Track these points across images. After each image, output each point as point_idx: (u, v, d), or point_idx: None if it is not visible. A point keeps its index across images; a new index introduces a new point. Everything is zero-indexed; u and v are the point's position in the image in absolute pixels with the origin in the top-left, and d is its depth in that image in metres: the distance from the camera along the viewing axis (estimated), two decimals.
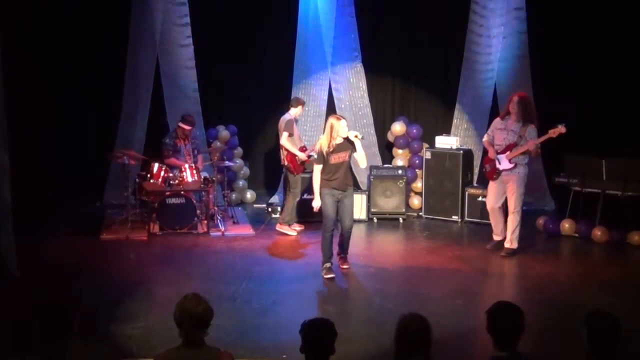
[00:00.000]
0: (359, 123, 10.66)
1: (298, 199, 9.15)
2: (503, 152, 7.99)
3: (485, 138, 8.34)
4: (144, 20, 10.13)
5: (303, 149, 9.05)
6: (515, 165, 7.96)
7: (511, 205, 8.05)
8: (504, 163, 8.00)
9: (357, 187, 10.52)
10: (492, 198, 8.26)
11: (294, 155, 8.93)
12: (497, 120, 8.20)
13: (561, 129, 7.80)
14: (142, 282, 7.14)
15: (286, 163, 9.02)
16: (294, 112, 9.12)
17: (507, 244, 8.16)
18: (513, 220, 8.07)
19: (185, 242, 8.65)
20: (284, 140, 8.93)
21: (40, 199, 8.98)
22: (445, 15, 10.69)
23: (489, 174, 8.20)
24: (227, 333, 5.57)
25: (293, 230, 9.11)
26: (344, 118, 7.47)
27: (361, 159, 7.38)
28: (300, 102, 9.24)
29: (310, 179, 9.13)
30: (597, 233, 8.75)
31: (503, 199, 8.20)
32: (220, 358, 3.60)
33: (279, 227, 9.12)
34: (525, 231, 8.45)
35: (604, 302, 6.38)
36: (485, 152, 8.52)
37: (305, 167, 9.13)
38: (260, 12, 10.67)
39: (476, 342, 5.47)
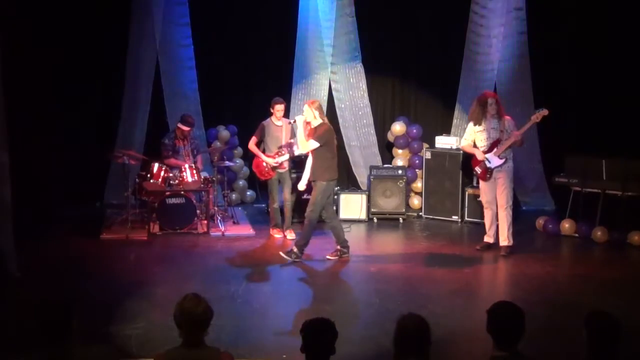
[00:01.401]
0: (359, 123, 10.66)
1: (275, 204, 8.89)
2: (489, 150, 8.07)
3: (464, 143, 8.39)
4: (144, 20, 10.14)
5: (277, 154, 8.71)
6: (506, 160, 8.03)
7: (502, 201, 8.09)
8: (494, 161, 8.05)
9: (357, 187, 10.55)
10: (486, 195, 8.29)
11: (261, 161, 8.74)
12: (472, 125, 8.22)
13: (544, 112, 7.94)
14: (142, 282, 7.14)
15: (253, 168, 8.96)
16: (273, 117, 8.80)
17: (504, 242, 8.18)
18: (506, 216, 8.11)
19: (185, 242, 8.65)
20: (250, 144, 8.81)
21: (40, 199, 8.97)
22: (446, 15, 10.69)
23: (482, 175, 8.21)
24: (227, 333, 5.57)
25: (278, 233, 8.94)
26: (308, 103, 7.86)
27: (299, 143, 7.82)
28: (273, 104, 8.75)
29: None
30: (597, 233, 8.75)
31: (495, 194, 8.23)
32: (220, 358, 3.60)
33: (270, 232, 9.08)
34: (525, 231, 8.46)
35: (604, 302, 6.37)
36: (468, 155, 8.58)
37: (275, 172, 8.74)
38: (260, 12, 10.67)
39: (476, 342, 5.47)
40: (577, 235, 9.01)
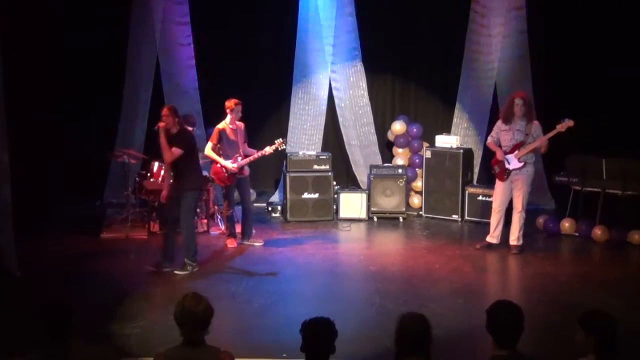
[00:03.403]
0: (359, 122, 10.65)
1: (228, 212, 8.52)
2: (511, 151, 8.04)
3: (489, 140, 8.37)
4: (144, 19, 10.13)
5: (235, 159, 8.27)
6: (525, 164, 8.02)
7: (518, 204, 8.11)
8: (513, 163, 8.04)
9: (357, 186, 10.56)
10: (498, 198, 8.28)
11: (220, 167, 8.28)
12: (501, 123, 8.21)
13: (569, 122, 7.84)
14: (142, 281, 7.14)
15: (210, 175, 8.60)
16: (228, 119, 8.29)
17: (515, 242, 8.21)
18: (520, 218, 8.15)
19: None
20: (207, 150, 8.31)
21: (40, 199, 8.97)
22: (446, 14, 10.68)
23: (499, 175, 8.19)
24: (227, 332, 5.56)
25: (232, 243, 8.49)
26: (166, 108, 7.37)
27: (162, 151, 7.40)
28: (234, 105, 8.23)
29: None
30: (597, 232, 8.75)
31: (509, 199, 8.23)
32: (220, 358, 3.60)
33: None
34: (526, 230, 8.46)
35: (604, 301, 6.38)
36: (489, 153, 8.56)
37: (235, 178, 8.36)
38: (260, 11, 10.67)
39: (476, 341, 5.47)
40: (577, 234, 9.01)
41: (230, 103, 8.27)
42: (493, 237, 8.39)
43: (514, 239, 8.20)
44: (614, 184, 8.75)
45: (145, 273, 7.40)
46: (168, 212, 7.61)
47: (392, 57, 11.04)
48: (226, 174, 8.31)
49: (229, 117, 8.30)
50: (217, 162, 8.30)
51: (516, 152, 8.00)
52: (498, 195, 8.29)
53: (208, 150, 8.33)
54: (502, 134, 8.14)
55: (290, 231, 9.30)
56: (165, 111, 7.37)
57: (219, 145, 8.31)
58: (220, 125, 8.34)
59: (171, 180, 7.54)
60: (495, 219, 8.33)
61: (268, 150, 8.42)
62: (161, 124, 7.34)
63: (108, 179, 10.40)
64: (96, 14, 9.90)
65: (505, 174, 8.11)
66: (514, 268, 7.94)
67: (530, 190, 8.25)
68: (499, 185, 8.26)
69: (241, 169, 8.34)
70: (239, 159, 8.28)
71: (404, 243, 9.04)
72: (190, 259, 7.47)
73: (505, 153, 8.07)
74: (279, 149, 8.54)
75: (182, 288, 6.61)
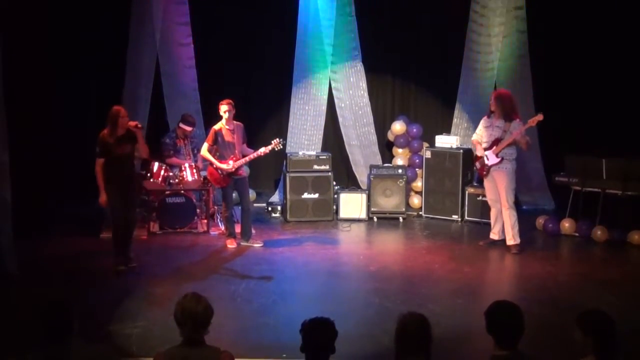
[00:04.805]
0: (359, 122, 10.66)
1: (227, 213, 8.50)
2: (490, 147, 8.17)
3: (473, 137, 8.53)
4: (144, 19, 10.12)
5: (231, 159, 8.24)
6: (502, 160, 8.11)
7: (504, 202, 8.19)
8: (491, 158, 8.17)
9: (357, 187, 10.56)
10: (488, 195, 8.48)
11: (216, 168, 8.26)
12: (484, 119, 8.40)
13: (539, 116, 7.96)
14: (142, 281, 7.14)
15: (207, 175, 8.55)
16: (224, 119, 8.26)
17: (510, 242, 8.24)
18: (510, 215, 8.18)
19: (185, 241, 8.66)
20: (203, 150, 8.33)
21: (40, 199, 8.97)
22: (446, 14, 10.69)
23: (480, 171, 8.39)
24: (227, 332, 5.57)
25: (231, 243, 8.48)
26: (125, 109, 7.38)
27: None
28: (220, 104, 8.24)
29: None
30: (597, 232, 8.75)
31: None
32: (220, 358, 3.60)
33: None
34: (525, 230, 8.47)
35: (604, 302, 6.38)
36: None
37: (231, 179, 8.34)
38: (260, 11, 10.67)
39: (476, 342, 5.47)
40: (577, 234, 9.01)
41: (219, 104, 8.26)
42: (495, 234, 8.52)
43: (509, 238, 8.24)
44: (614, 184, 8.75)
45: (145, 273, 7.41)
46: (122, 214, 7.35)
47: (392, 57, 11.05)
48: (221, 175, 8.30)
49: (223, 119, 8.29)
50: (212, 163, 8.29)
51: (494, 147, 8.10)
52: (487, 190, 8.48)
53: (204, 151, 8.33)
54: (484, 130, 8.30)
55: (290, 231, 9.30)
56: (124, 112, 7.33)
57: (215, 146, 8.30)
58: (216, 126, 8.33)
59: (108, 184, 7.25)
60: (493, 216, 8.48)
61: (264, 150, 8.41)
62: (132, 123, 7.34)
63: None
64: (96, 14, 9.90)
65: (485, 170, 8.26)
66: (514, 268, 7.94)
67: (515, 187, 8.31)
68: (485, 183, 8.44)
69: (238, 169, 8.32)
70: (234, 159, 8.27)
71: (403, 243, 9.04)
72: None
73: (485, 149, 8.19)
74: (276, 149, 8.54)
75: (182, 288, 6.61)
